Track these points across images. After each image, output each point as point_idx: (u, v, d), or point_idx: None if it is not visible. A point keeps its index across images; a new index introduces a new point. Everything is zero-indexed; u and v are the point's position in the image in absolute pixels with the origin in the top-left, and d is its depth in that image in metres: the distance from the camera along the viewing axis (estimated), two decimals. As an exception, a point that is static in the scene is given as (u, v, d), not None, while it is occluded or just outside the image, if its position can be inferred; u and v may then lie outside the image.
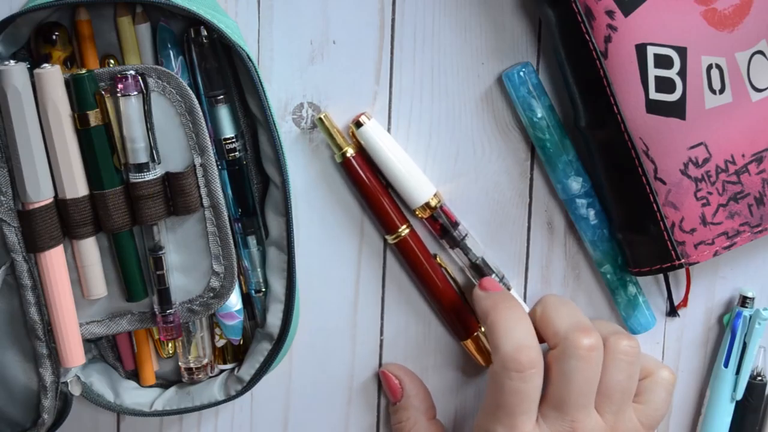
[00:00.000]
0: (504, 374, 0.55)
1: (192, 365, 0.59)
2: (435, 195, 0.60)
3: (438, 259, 0.61)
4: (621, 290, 0.62)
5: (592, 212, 0.61)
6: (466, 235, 0.61)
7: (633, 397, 0.57)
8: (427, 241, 0.61)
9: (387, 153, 0.59)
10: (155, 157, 0.54)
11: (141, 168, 0.53)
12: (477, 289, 0.59)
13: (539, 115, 0.60)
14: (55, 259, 0.54)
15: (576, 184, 0.60)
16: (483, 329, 0.62)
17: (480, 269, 0.61)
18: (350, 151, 0.59)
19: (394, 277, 0.62)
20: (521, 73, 0.59)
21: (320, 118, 0.59)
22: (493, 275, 0.61)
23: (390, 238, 0.60)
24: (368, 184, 0.59)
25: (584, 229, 0.62)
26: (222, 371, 0.60)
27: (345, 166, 0.59)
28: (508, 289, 0.62)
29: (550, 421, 0.55)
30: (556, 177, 0.61)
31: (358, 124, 0.59)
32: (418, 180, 0.60)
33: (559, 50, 0.58)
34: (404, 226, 0.60)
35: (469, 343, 0.62)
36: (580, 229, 0.62)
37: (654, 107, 0.56)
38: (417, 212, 0.60)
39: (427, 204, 0.60)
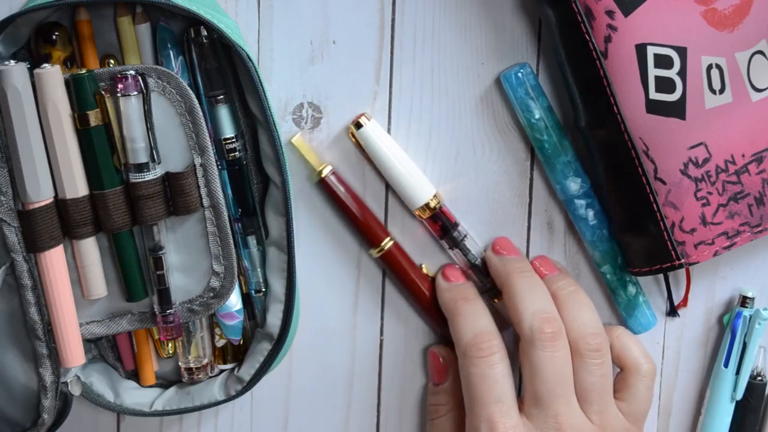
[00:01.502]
0: (468, 363, 0.56)
1: (192, 365, 0.59)
2: (435, 196, 0.60)
3: (424, 268, 0.61)
4: (621, 290, 0.62)
5: (591, 213, 0.61)
6: (465, 235, 0.61)
7: (613, 392, 0.58)
8: (420, 244, 0.61)
9: (387, 154, 0.59)
10: (155, 157, 0.54)
11: (141, 168, 0.53)
12: (440, 279, 0.60)
13: (537, 116, 0.59)
14: (55, 259, 0.54)
15: (575, 185, 0.60)
16: None
17: (479, 270, 0.61)
18: (326, 171, 0.59)
19: (395, 277, 0.62)
20: (519, 74, 0.59)
21: (292, 142, 0.59)
22: (489, 279, 0.61)
23: (374, 252, 0.60)
24: (346, 202, 0.59)
25: (583, 230, 0.62)
26: (222, 371, 0.60)
27: (322, 185, 0.59)
28: (496, 298, 0.62)
29: (534, 420, 0.56)
30: (555, 177, 0.61)
31: (358, 125, 0.59)
32: (418, 181, 0.60)
33: (559, 50, 0.58)
34: (387, 240, 0.60)
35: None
36: (580, 229, 0.62)
37: (654, 107, 0.56)
38: (417, 213, 0.60)
39: (427, 205, 0.60)
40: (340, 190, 0.59)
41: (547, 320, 0.56)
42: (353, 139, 0.60)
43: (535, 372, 0.56)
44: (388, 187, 0.61)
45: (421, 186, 0.60)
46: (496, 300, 0.62)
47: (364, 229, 0.60)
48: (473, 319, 0.58)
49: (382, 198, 0.61)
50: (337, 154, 0.60)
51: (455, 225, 0.61)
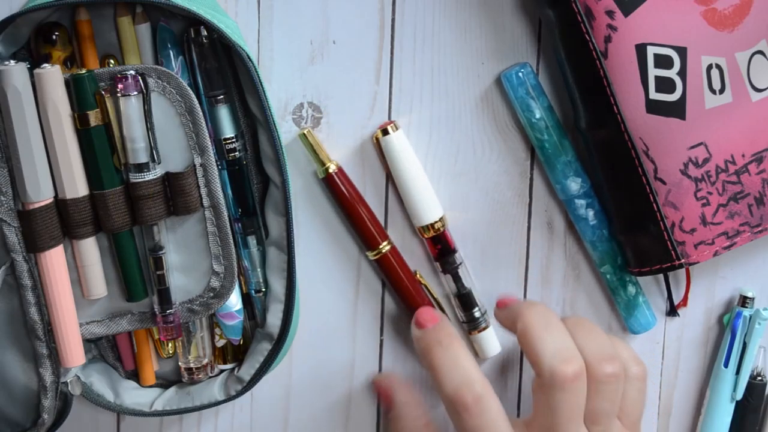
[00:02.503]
0: (457, 417, 0.54)
1: (192, 365, 0.59)
2: (441, 219, 0.60)
3: (418, 275, 0.61)
4: (621, 290, 0.62)
5: (591, 213, 0.61)
6: (460, 263, 0.61)
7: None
8: (413, 256, 0.62)
9: (405, 166, 0.59)
10: (155, 157, 0.54)
11: (141, 168, 0.53)
12: (413, 328, 0.57)
13: (537, 116, 0.60)
14: (55, 259, 0.54)
15: (575, 185, 0.60)
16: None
17: (466, 300, 0.61)
18: (332, 167, 0.59)
19: (388, 281, 0.62)
20: (519, 74, 0.59)
21: (303, 134, 0.59)
22: (476, 309, 0.61)
23: (371, 255, 0.60)
24: (350, 200, 0.59)
25: (583, 230, 0.62)
26: (222, 371, 0.60)
27: (327, 182, 0.59)
28: (486, 327, 0.62)
29: None
30: (555, 177, 0.61)
31: (385, 132, 0.59)
32: (428, 200, 0.60)
33: (559, 50, 0.58)
34: (385, 243, 0.60)
35: None
36: (580, 229, 0.62)
37: (654, 107, 0.56)
38: (419, 229, 0.60)
39: (432, 225, 0.60)
40: (345, 188, 0.59)
41: (567, 361, 0.54)
42: (376, 144, 0.60)
43: (551, 411, 0.54)
44: (387, 198, 0.61)
45: (430, 206, 0.60)
46: (473, 333, 0.62)
47: (363, 229, 0.60)
48: (451, 367, 0.55)
49: (382, 206, 0.61)
50: (337, 155, 0.60)
51: (453, 251, 0.61)
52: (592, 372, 0.55)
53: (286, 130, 0.60)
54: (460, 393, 0.54)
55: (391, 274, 0.61)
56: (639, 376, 0.58)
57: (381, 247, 0.60)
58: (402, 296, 0.61)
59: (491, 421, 0.54)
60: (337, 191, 0.59)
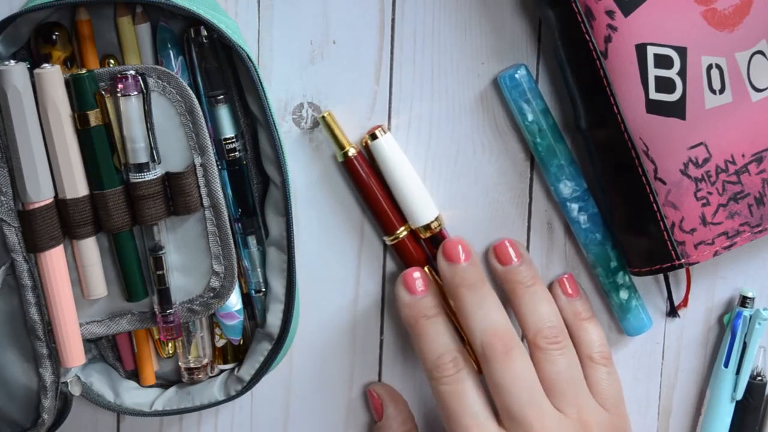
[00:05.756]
0: (435, 383, 0.56)
1: (192, 365, 0.59)
2: (437, 218, 0.60)
3: (427, 270, 0.61)
4: (613, 293, 0.62)
5: (583, 216, 0.61)
6: None
7: (584, 380, 0.58)
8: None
9: (397, 169, 0.59)
10: (155, 157, 0.54)
11: (141, 168, 0.53)
12: (401, 290, 0.58)
13: (530, 119, 0.59)
14: (55, 259, 0.54)
15: (567, 189, 0.60)
16: None
17: None
18: (352, 151, 0.59)
19: (394, 277, 0.62)
20: (514, 76, 0.59)
21: (323, 117, 0.59)
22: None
23: (388, 239, 0.60)
24: (369, 184, 0.59)
25: (577, 232, 0.62)
26: (222, 371, 0.60)
27: (347, 165, 0.59)
28: None
29: None
30: (549, 180, 0.61)
31: (374, 137, 0.59)
32: (422, 201, 0.59)
33: (559, 50, 0.58)
34: (403, 228, 0.60)
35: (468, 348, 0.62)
36: (574, 231, 0.62)
37: (654, 107, 0.56)
38: (417, 231, 0.60)
39: (428, 225, 0.60)
40: (364, 172, 0.59)
41: (495, 334, 0.55)
42: (365, 150, 0.59)
43: (497, 388, 0.55)
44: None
45: (425, 207, 0.60)
46: None
47: (382, 214, 0.60)
48: (434, 339, 0.57)
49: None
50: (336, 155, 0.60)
51: None
52: (533, 341, 0.57)
53: (286, 130, 0.60)
54: (442, 361, 0.56)
55: (408, 260, 0.60)
56: (601, 359, 0.59)
57: (398, 232, 0.60)
58: None
59: (469, 389, 0.56)
60: (356, 175, 0.59)
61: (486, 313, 0.57)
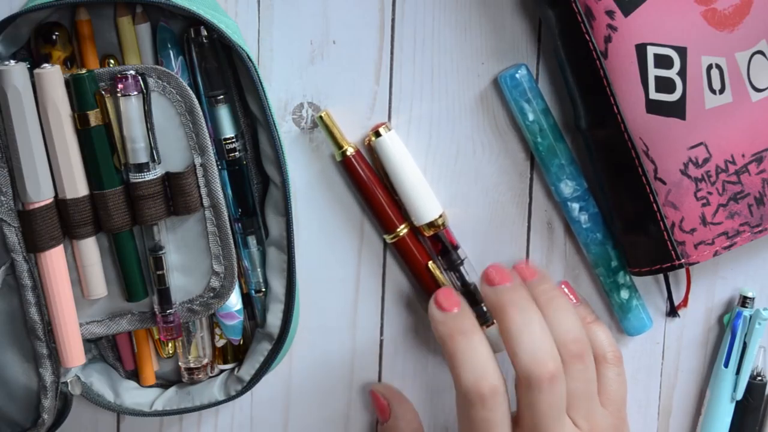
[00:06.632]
0: (469, 406, 0.54)
1: (192, 365, 0.59)
2: (441, 216, 0.60)
3: (431, 266, 0.61)
4: (614, 293, 0.62)
5: (584, 216, 0.61)
6: (464, 259, 0.61)
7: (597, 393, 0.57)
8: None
9: (402, 166, 0.59)
10: (155, 157, 0.54)
11: (141, 168, 0.53)
12: (433, 309, 0.56)
13: (531, 119, 0.59)
14: (55, 259, 0.54)
15: (567, 188, 0.60)
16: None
17: (471, 295, 0.61)
18: (350, 150, 0.59)
19: (394, 276, 0.62)
20: (515, 76, 0.59)
21: (320, 116, 0.59)
22: (483, 305, 0.61)
23: (388, 238, 0.60)
24: (368, 182, 0.59)
25: (578, 232, 0.62)
26: (222, 371, 0.60)
27: (345, 164, 0.59)
28: (493, 323, 0.61)
29: None
30: (550, 179, 0.61)
31: (378, 134, 0.59)
32: (426, 198, 0.59)
33: (559, 50, 0.58)
34: (403, 226, 0.60)
35: None
36: (575, 231, 0.62)
37: (654, 107, 0.56)
38: (420, 228, 0.60)
39: (432, 223, 0.60)
40: (363, 170, 0.59)
41: (543, 362, 0.54)
42: (369, 148, 0.59)
43: (532, 411, 0.54)
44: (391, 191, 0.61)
45: (429, 204, 0.60)
46: (487, 326, 0.61)
47: (381, 212, 0.60)
48: (472, 358, 0.54)
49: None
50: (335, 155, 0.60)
51: (456, 247, 0.61)
52: (560, 353, 0.55)
53: (286, 130, 0.60)
54: (481, 386, 0.53)
55: (409, 257, 0.60)
56: (614, 360, 0.59)
57: (398, 230, 0.60)
58: (419, 279, 0.61)
59: (502, 415, 0.54)
60: (355, 174, 0.59)
61: (533, 337, 0.54)
